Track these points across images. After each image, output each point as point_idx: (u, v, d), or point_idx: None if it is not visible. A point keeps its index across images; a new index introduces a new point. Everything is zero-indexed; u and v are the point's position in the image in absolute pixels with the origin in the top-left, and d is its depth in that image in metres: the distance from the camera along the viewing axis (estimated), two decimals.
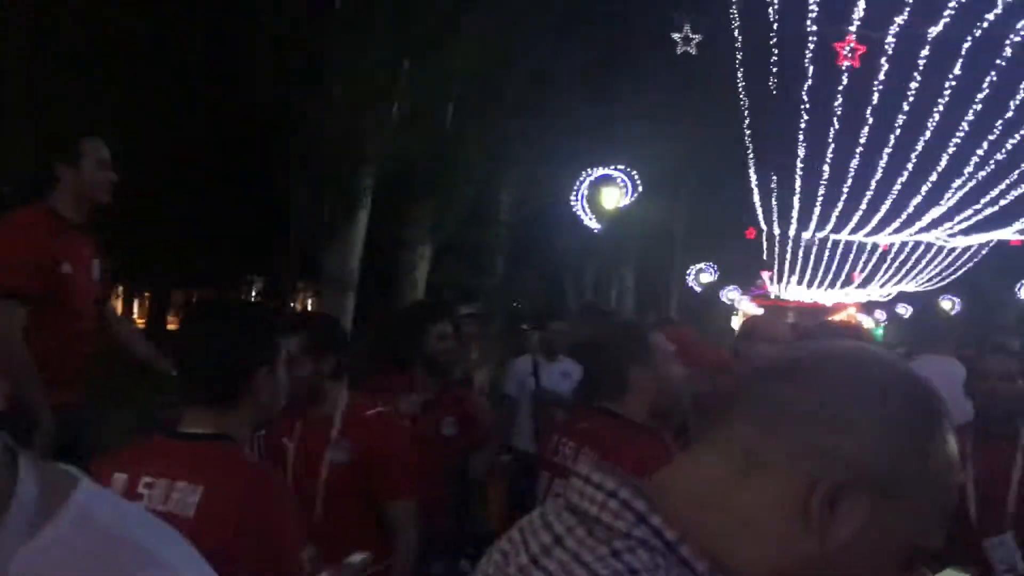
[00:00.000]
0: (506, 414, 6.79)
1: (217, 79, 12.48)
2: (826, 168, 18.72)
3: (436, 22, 10.52)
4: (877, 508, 0.83)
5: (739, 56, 13.43)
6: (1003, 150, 16.65)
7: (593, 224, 16.87)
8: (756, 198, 23.18)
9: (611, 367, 2.91)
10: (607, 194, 15.77)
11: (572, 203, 16.79)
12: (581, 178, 16.70)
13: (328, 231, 10.60)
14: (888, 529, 0.84)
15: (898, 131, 15.84)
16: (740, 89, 15.06)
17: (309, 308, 26.51)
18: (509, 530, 0.99)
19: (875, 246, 30.60)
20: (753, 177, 21.09)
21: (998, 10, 10.93)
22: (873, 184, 19.66)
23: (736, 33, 12.25)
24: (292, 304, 23.25)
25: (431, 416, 4.07)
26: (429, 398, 4.11)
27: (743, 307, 46.31)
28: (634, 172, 16.71)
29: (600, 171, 16.53)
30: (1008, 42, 12.10)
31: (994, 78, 13.33)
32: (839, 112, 15.10)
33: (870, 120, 15.34)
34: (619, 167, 16.62)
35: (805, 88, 14.09)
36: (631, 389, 2.85)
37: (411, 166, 11.79)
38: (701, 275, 29.50)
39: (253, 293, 29.04)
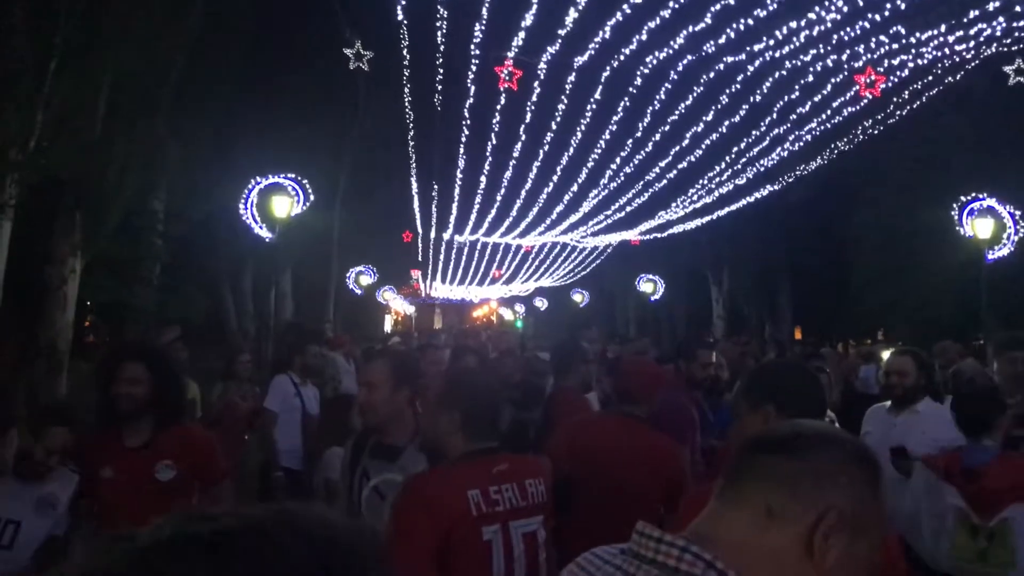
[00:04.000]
0: (268, 428, 6.66)
1: None
2: (483, 178, 19.85)
3: (80, 23, 9.77)
4: (851, 540, 1.24)
5: (407, 73, 13.87)
6: (631, 164, 18.72)
7: (264, 233, 16.45)
8: (416, 204, 23.89)
9: None
10: (278, 203, 15.47)
11: (241, 212, 16.24)
12: (250, 186, 16.22)
13: None
14: (856, 555, 1.25)
15: (547, 147, 17.28)
16: (407, 104, 15.51)
17: None
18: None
19: (519, 247, 32.81)
20: (415, 184, 21.74)
21: (632, 46, 12.42)
22: (523, 193, 21.18)
23: (405, 52, 12.62)
24: None
25: (143, 463, 3.89)
26: (138, 445, 3.92)
27: (395, 305, 47.46)
28: (305, 181, 16.57)
29: (271, 179, 16.18)
30: (638, 72, 13.72)
31: (627, 103, 15.05)
32: (496, 128, 16.11)
33: (523, 136, 16.59)
34: (289, 176, 16.38)
35: (467, 105, 14.85)
36: None
37: (58, 175, 10.85)
38: (360, 277, 29.79)
39: None
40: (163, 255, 14.68)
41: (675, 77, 13.95)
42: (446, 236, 28.64)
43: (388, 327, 42.71)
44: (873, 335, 27.86)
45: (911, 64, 13.11)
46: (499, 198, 21.89)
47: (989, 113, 17.16)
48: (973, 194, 17.33)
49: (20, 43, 9.24)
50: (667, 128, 16.36)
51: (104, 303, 14.69)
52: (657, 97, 14.88)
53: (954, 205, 17.63)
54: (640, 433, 4.26)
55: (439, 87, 14.11)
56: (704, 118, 15.85)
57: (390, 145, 20.08)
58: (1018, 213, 17.30)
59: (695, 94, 14.81)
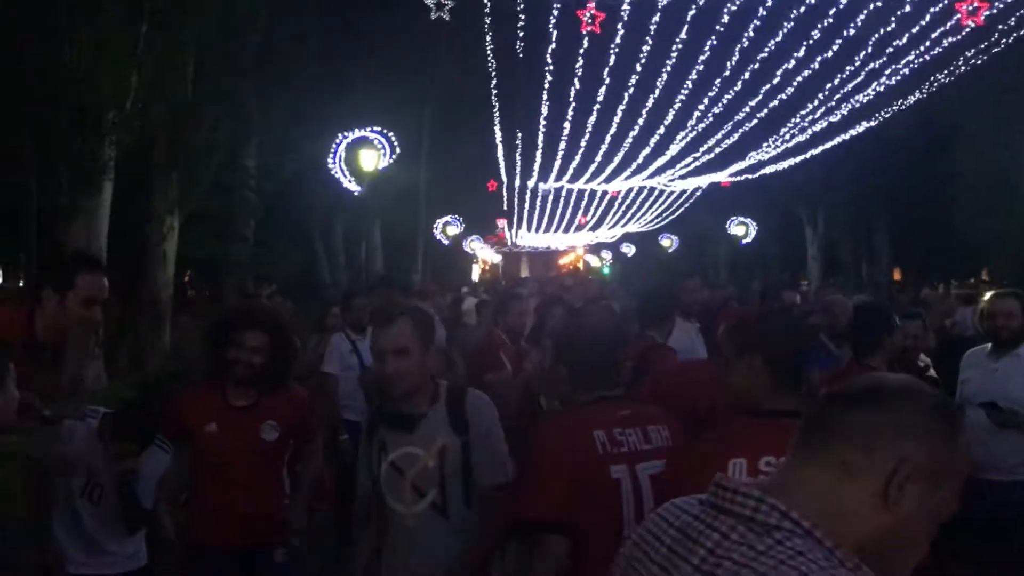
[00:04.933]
0: (332, 392, 6.76)
1: None
2: (567, 125, 19.69)
3: None
4: (927, 490, 1.26)
5: (487, 20, 13.76)
6: (719, 104, 18.28)
7: (353, 186, 16.70)
8: (500, 153, 23.87)
9: None
10: (365, 156, 15.65)
11: (330, 166, 16.49)
12: (338, 141, 16.44)
13: (70, 207, 9.80)
14: (933, 503, 1.28)
15: (631, 90, 17.00)
16: (488, 52, 15.41)
17: None
18: (649, 529, 1.41)
19: (605, 192, 32.50)
20: (498, 134, 21.71)
21: None
22: (608, 138, 20.93)
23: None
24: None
25: (249, 423, 4.02)
26: (245, 404, 4.04)
27: (482, 254, 47.77)
28: (391, 134, 16.71)
29: (357, 133, 16.36)
30: (725, 10, 13.33)
31: (714, 42, 14.67)
32: (580, 73, 15.90)
33: (607, 80, 16.35)
34: (375, 129, 16.53)
35: (549, 51, 14.69)
36: None
37: (153, 136, 11.18)
38: (447, 227, 30.05)
39: None
40: (257, 211, 15.06)
41: (764, 12, 13.50)
42: (531, 184, 28.58)
43: (476, 276, 43.06)
44: (977, 274, 26.80)
45: None
46: (583, 144, 21.69)
47: None
48: None
49: (112, 7, 9.48)
50: (756, 66, 15.89)
51: (202, 259, 15.17)
52: (745, 34, 14.43)
53: None
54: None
55: (520, 33, 13.98)
56: (795, 54, 15.32)
57: (473, 95, 20.03)
58: None
59: (785, 29, 14.32)
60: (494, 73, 16.65)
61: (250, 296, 11.37)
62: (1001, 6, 13.07)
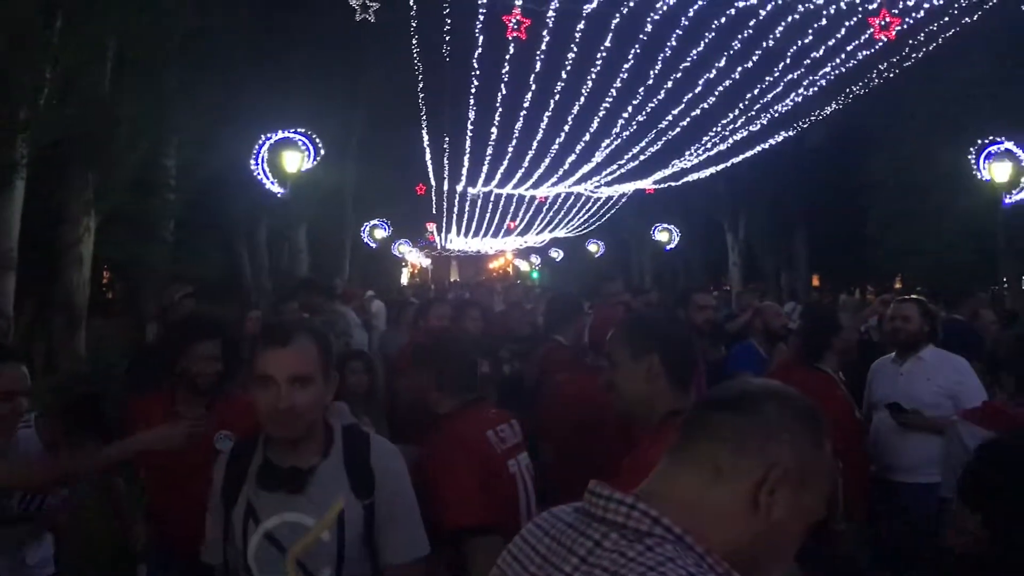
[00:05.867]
0: None
1: None
2: (494, 130, 19.79)
3: None
4: (797, 493, 1.29)
5: (413, 24, 13.75)
6: (643, 112, 18.56)
7: (276, 188, 16.47)
8: (428, 156, 23.83)
9: None
10: (289, 158, 15.46)
11: (252, 167, 16.24)
12: (261, 142, 16.21)
13: None
14: (803, 507, 1.30)
15: (557, 96, 17.17)
16: (415, 56, 15.40)
17: None
18: (525, 537, 1.41)
19: (533, 198, 32.69)
20: (426, 137, 21.67)
21: None
22: (535, 144, 21.09)
23: (411, 2, 12.50)
24: None
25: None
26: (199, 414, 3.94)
27: (411, 258, 47.58)
28: (315, 136, 16.54)
29: (280, 135, 16.16)
30: (648, 19, 13.56)
31: (637, 50, 14.91)
32: (506, 78, 16.00)
33: (533, 86, 16.49)
34: (299, 131, 16.35)
35: (476, 56, 14.73)
36: None
37: (69, 133, 10.88)
38: (375, 231, 29.84)
39: None
40: (176, 211, 14.73)
41: (686, 23, 13.78)
42: (459, 188, 28.60)
43: (405, 280, 42.87)
44: (891, 281, 27.68)
45: (926, 5, 12.88)
46: (511, 149, 21.81)
47: (1006, 55, 16.85)
48: (991, 137, 17.10)
49: (25, 1, 9.21)
50: (679, 75, 16.19)
51: (120, 260, 14.79)
52: (668, 44, 14.70)
53: (971, 149, 17.40)
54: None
55: (446, 38, 14.01)
56: (716, 64, 15.66)
57: (401, 98, 19.96)
58: None
59: (706, 40, 14.63)
60: (421, 76, 16.67)
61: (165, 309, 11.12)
62: (911, 22, 13.56)
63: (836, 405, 4.48)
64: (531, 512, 3.00)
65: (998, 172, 16.78)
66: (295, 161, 15.55)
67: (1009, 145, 16.99)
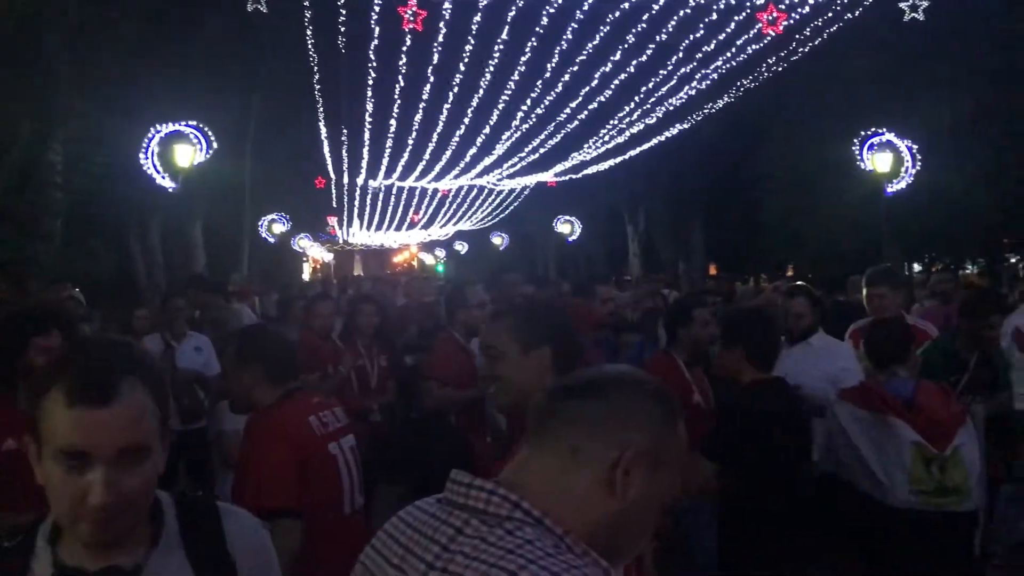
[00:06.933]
0: None
1: None
2: (393, 122, 19.62)
3: None
4: (651, 474, 1.32)
5: (308, 15, 13.52)
6: (542, 105, 18.69)
7: (167, 183, 15.97)
8: (326, 149, 23.49)
9: None
10: (180, 151, 15.01)
11: (142, 161, 15.70)
12: (151, 135, 15.69)
13: None
14: (658, 486, 1.34)
15: (456, 89, 17.13)
16: (310, 47, 15.13)
17: None
18: (387, 531, 1.41)
19: (435, 191, 32.58)
20: (323, 129, 21.35)
21: None
22: (435, 136, 21.01)
23: None
24: None
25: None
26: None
27: (312, 253, 46.85)
28: (207, 129, 16.09)
29: (171, 127, 15.67)
30: (544, 12, 13.66)
31: (534, 43, 15.00)
32: (404, 70, 15.87)
33: (432, 78, 16.41)
34: (191, 123, 15.88)
35: (372, 47, 14.57)
36: None
37: None
38: (274, 225, 29.29)
39: None
40: (64, 208, 14.17)
41: (581, 16, 13.92)
42: (359, 181, 28.29)
43: (306, 275, 42.20)
44: (783, 270, 28.61)
45: (811, 1, 13.32)
46: (411, 142, 21.67)
47: (887, 50, 17.58)
48: (873, 129, 17.82)
49: None
50: (576, 68, 16.35)
51: (3, 260, 14.13)
52: (564, 37, 14.84)
53: (855, 141, 18.11)
54: None
55: (341, 29, 13.81)
56: (612, 58, 15.87)
57: (297, 90, 19.62)
58: (916, 147, 17.86)
59: (601, 33, 14.80)
60: (317, 68, 16.39)
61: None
62: (798, 17, 14.01)
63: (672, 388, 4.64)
64: (355, 491, 3.25)
65: (880, 163, 17.52)
66: (187, 155, 15.12)
67: (890, 136, 17.73)
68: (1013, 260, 25.98)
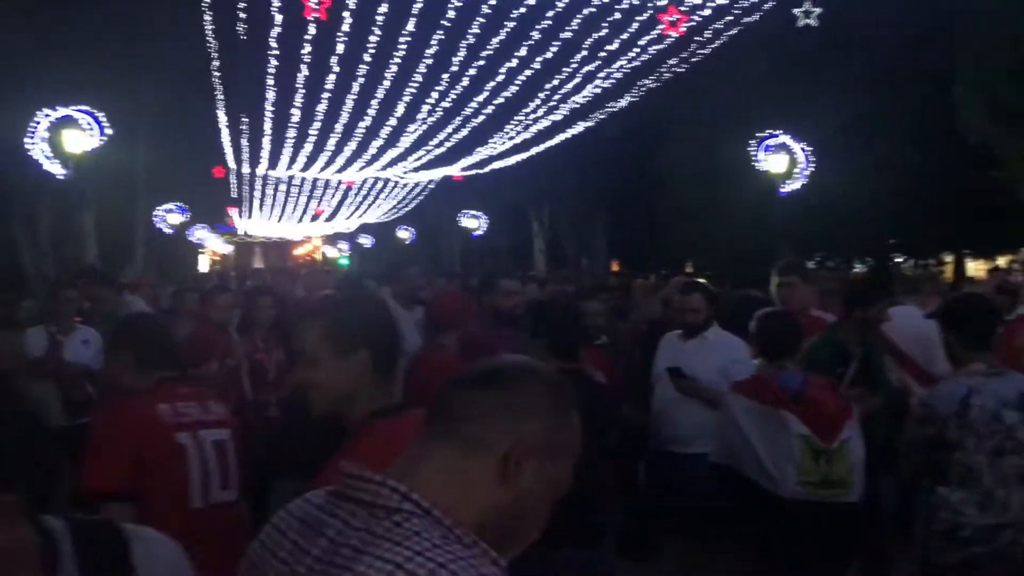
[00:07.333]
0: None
1: None
2: (295, 111, 19.26)
3: None
4: (543, 464, 1.33)
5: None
6: (448, 99, 18.63)
7: (57, 169, 15.30)
8: (226, 138, 22.90)
9: None
10: (70, 137, 14.39)
11: (28, 147, 15.00)
12: (37, 120, 14.99)
13: None
14: (550, 477, 1.35)
15: (361, 80, 16.90)
16: (207, 33, 14.70)
17: None
18: (275, 524, 1.38)
19: (340, 182, 32.16)
20: (223, 118, 20.80)
21: None
22: (339, 127, 20.71)
23: None
24: None
25: None
26: None
27: (211, 244, 45.69)
28: (100, 114, 15.48)
29: (61, 111, 15.01)
30: (450, 4, 13.61)
31: (441, 35, 14.92)
32: (308, 59, 15.58)
33: (336, 68, 16.14)
34: (83, 108, 15.25)
35: (274, 35, 14.25)
36: None
37: None
38: (170, 216, 28.41)
39: None
40: None
41: (487, 10, 13.91)
42: (260, 171, 27.68)
43: (204, 267, 41.15)
44: (682, 267, 29.25)
45: (711, 4, 13.63)
46: (314, 132, 21.30)
47: (782, 54, 18.16)
48: (768, 131, 18.39)
49: None
50: (482, 63, 16.34)
51: None
52: (470, 31, 14.81)
53: (751, 142, 18.65)
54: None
55: (242, 14, 13.47)
56: (517, 53, 15.92)
57: (195, 76, 19.04)
58: (809, 149, 18.50)
59: (507, 28, 14.84)
60: (216, 54, 15.94)
61: None
62: (699, 19, 14.32)
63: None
64: (211, 485, 3.16)
65: (775, 164, 18.11)
66: (78, 141, 14.51)
67: (785, 139, 18.33)
68: (899, 260, 27.15)
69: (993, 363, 3.94)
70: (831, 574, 4.21)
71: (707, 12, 13.90)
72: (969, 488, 3.73)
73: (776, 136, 18.33)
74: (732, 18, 14.33)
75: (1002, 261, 21.88)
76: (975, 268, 24.72)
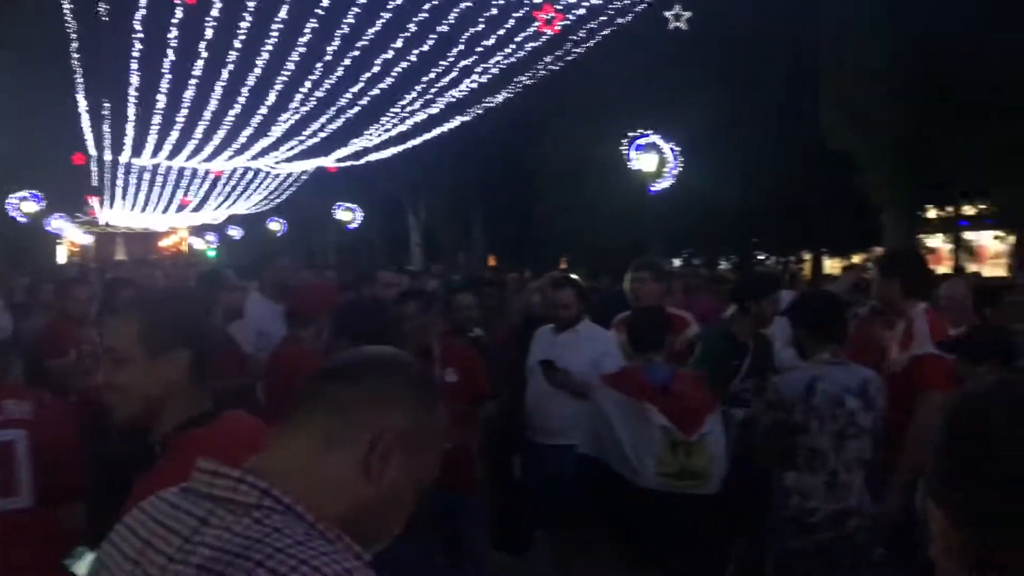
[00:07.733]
0: None
1: None
2: (160, 97, 18.57)
3: None
4: (408, 458, 1.31)
5: None
6: (322, 88, 18.33)
7: None
8: (86, 123, 21.86)
9: None
10: None
11: None
12: None
13: None
14: (414, 470, 1.33)
15: (231, 67, 16.43)
16: (65, 11, 13.98)
17: None
18: (127, 524, 1.32)
19: (207, 172, 31.19)
20: (83, 102, 19.84)
21: None
22: (207, 115, 20.08)
23: None
24: None
25: None
26: None
27: (69, 235, 43.55)
28: None
29: None
30: None
31: (314, 24, 14.66)
32: (174, 44, 15.03)
33: (205, 54, 15.63)
34: None
35: (138, 17, 13.68)
36: None
37: None
38: (24, 204, 26.91)
39: None
40: None
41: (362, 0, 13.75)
42: (124, 159, 26.54)
43: (62, 258, 39.15)
44: (557, 263, 29.65)
45: (586, 3, 13.86)
46: (181, 119, 20.58)
47: (654, 55, 18.64)
48: (639, 130, 18.85)
49: None
50: (357, 53, 16.15)
51: None
52: (344, 20, 14.60)
53: (623, 141, 19.08)
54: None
55: None
56: (393, 45, 15.80)
57: (52, 57, 18.09)
58: (678, 149, 19.07)
59: (383, 19, 14.71)
60: (75, 34, 15.17)
61: None
62: (573, 18, 14.54)
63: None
64: (13, 485, 3.03)
65: (646, 162, 18.60)
66: None
67: (655, 138, 18.83)
68: (761, 257, 28.26)
69: (838, 354, 4.16)
70: (702, 564, 4.35)
71: (581, 11, 14.13)
72: (815, 471, 3.93)
73: (647, 135, 18.80)
74: (606, 18, 14.60)
75: (856, 259, 23.09)
76: (831, 266, 26.01)
